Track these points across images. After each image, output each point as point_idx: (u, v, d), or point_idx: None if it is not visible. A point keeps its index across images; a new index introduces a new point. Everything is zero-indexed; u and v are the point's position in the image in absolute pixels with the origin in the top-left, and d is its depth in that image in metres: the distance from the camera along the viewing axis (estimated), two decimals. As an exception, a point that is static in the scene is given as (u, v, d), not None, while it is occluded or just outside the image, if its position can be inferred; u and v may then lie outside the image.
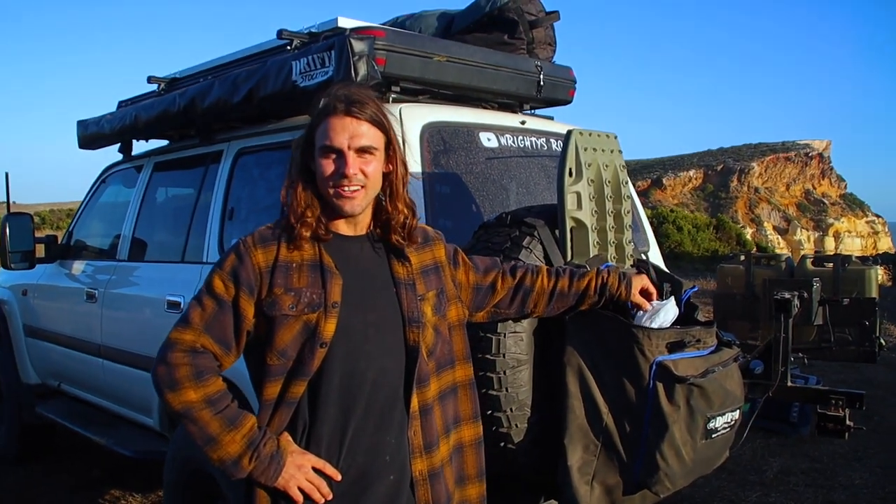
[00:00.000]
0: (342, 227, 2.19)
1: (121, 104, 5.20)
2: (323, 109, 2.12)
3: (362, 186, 2.11)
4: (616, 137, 3.27)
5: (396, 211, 2.20)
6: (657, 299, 2.79)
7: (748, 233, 39.78)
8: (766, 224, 48.53)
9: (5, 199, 5.68)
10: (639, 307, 2.69)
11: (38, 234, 5.38)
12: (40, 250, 5.42)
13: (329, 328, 2.07)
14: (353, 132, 2.08)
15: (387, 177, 2.19)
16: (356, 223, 2.20)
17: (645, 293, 2.71)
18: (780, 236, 48.03)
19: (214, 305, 2.08)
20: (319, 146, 2.11)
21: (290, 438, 2.08)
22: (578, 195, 3.03)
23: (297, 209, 2.12)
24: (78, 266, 5.30)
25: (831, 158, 57.70)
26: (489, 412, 2.79)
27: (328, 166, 2.10)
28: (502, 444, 2.84)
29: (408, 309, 2.17)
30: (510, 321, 2.73)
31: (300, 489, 2.04)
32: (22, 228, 5.21)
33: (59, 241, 5.63)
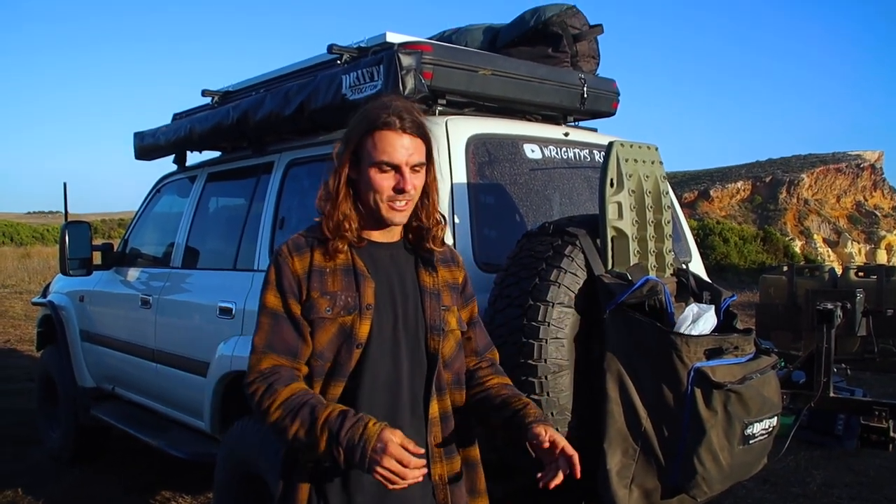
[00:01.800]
0: (375, 235, 2.22)
1: (176, 116, 5.34)
2: (379, 122, 2.11)
3: (410, 199, 2.15)
4: (657, 149, 3.32)
5: (432, 220, 2.23)
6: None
7: (797, 245, 39.15)
8: (815, 236, 47.73)
9: (63, 209, 5.87)
10: (533, 451, 2.15)
11: (94, 243, 5.52)
12: (97, 258, 5.56)
13: (364, 329, 2.12)
14: (411, 149, 2.11)
15: (424, 187, 2.21)
16: (391, 231, 2.23)
17: (553, 446, 2.09)
18: (830, 249, 47.21)
19: (270, 321, 2.13)
20: (375, 160, 2.10)
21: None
22: (619, 205, 3.10)
23: (334, 221, 2.14)
24: (133, 273, 5.44)
25: (884, 170, 56.62)
26: (530, 416, 2.86)
27: (384, 181, 2.11)
28: (543, 447, 2.90)
29: (430, 317, 2.21)
30: (551, 328, 2.81)
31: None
32: (80, 236, 5.35)
33: (115, 249, 5.76)
